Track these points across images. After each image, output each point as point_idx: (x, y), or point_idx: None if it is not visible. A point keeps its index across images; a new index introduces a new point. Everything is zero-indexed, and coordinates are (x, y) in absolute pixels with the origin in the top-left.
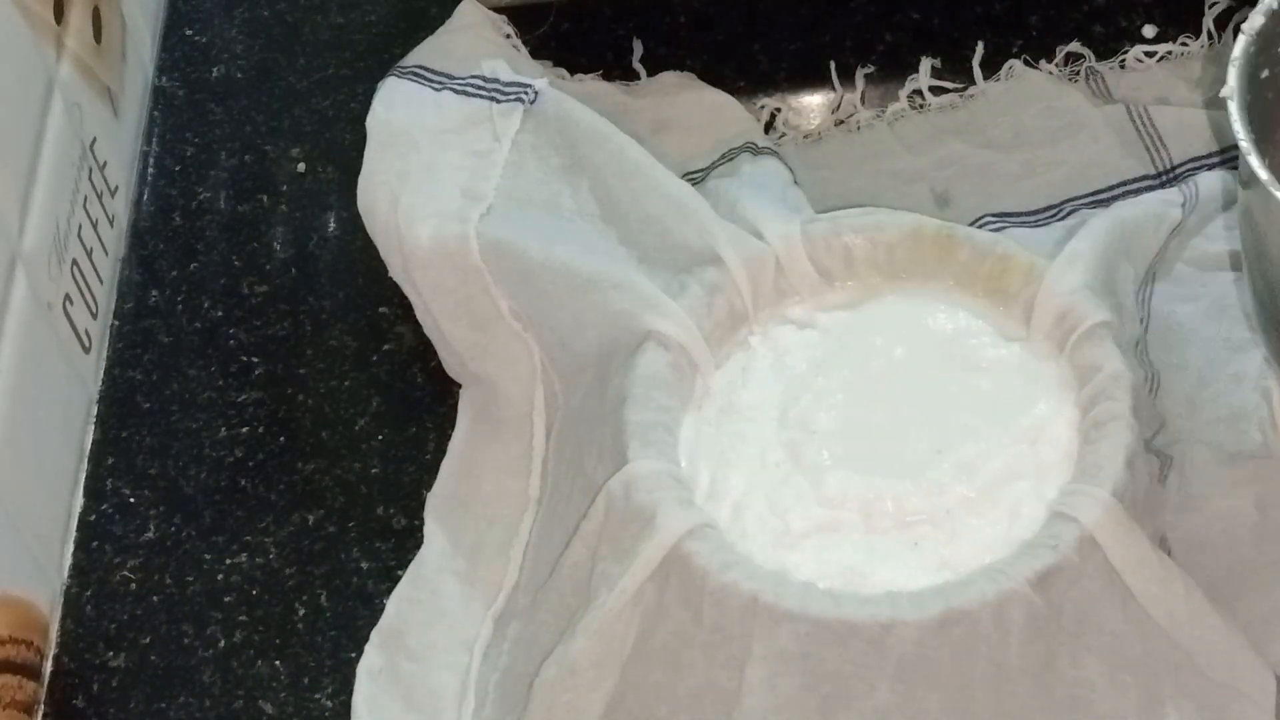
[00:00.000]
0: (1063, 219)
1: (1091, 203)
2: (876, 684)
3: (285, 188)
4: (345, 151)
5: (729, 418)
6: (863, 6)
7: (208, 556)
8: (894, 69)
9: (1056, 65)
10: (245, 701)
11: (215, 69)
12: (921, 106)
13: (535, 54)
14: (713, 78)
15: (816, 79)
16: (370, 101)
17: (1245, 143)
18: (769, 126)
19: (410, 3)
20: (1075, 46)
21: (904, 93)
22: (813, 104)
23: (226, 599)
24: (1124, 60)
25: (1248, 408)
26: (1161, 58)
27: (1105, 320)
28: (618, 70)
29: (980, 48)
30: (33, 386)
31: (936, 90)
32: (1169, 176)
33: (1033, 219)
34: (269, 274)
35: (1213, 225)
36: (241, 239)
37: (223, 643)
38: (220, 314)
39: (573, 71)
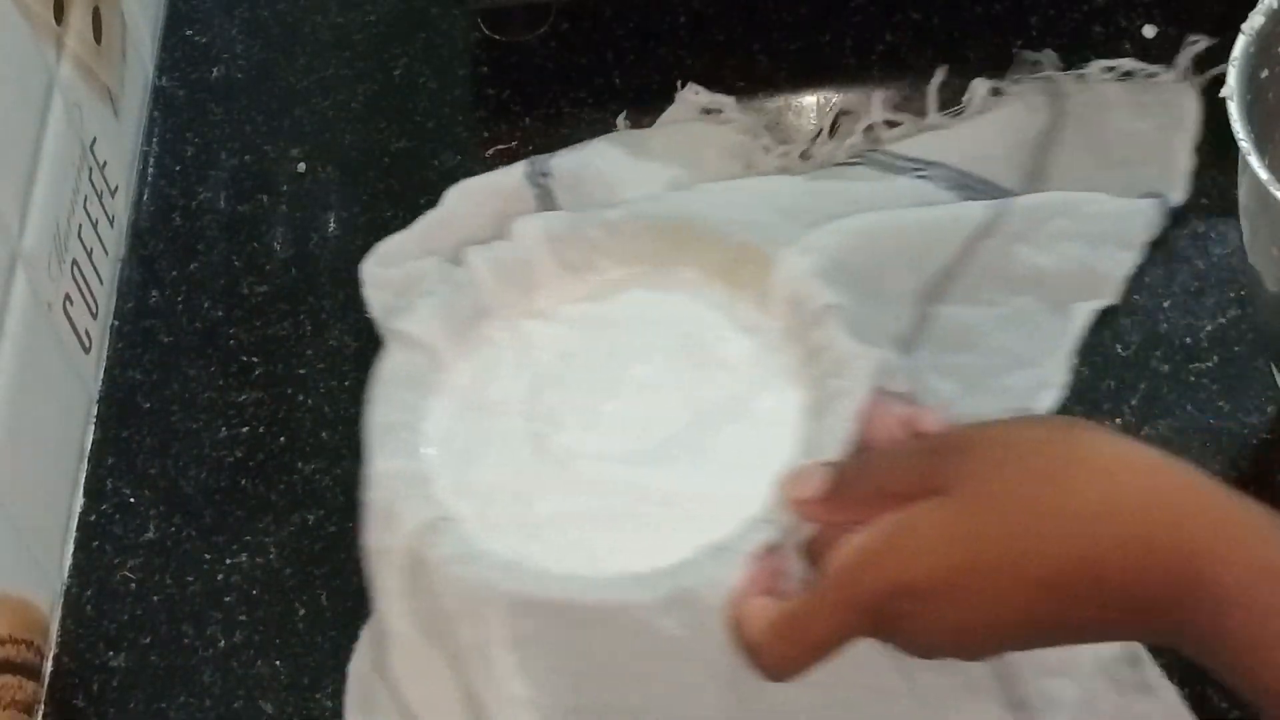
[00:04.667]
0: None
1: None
2: (621, 663)
3: (285, 188)
4: (345, 151)
5: (476, 412)
6: (863, 6)
7: (208, 556)
8: (894, 69)
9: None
10: (245, 701)
11: (215, 69)
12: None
13: (535, 54)
14: (713, 78)
15: (816, 79)
16: (370, 100)
17: (1245, 142)
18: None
19: (410, 2)
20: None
21: (860, 127)
22: (813, 104)
23: (226, 599)
24: (1084, 73)
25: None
26: (1123, 75)
27: (834, 303)
28: (616, 70)
29: (940, 74)
30: (33, 386)
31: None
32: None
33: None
34: (269, 274)
35: (1037, 244)
36: (241, 239)
37: (223, 643)
38: (220, 314)
39: (570, 76)
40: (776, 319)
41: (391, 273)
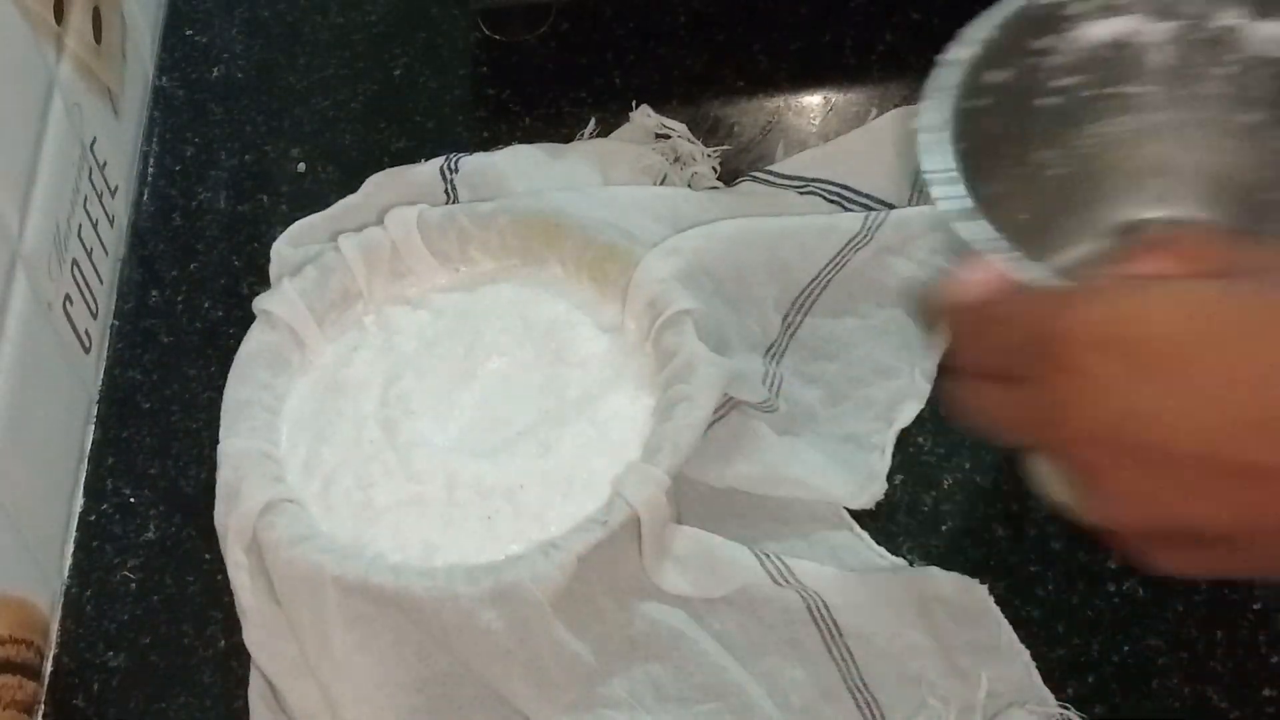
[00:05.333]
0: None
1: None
2: (453, 649)
3: (285, 188)
4: (345, 151)
5: (333, 394)
6: (863, 6)
7: (208, 556)
8: (894, 69)
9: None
10: (245, 701)
11: (215, 69)
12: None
13: (535, 54)
14: (713, 78)
15: (816, 79)
16: (370, 100)
17: (947, 173)
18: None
19: (410, 2)
20: None
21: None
22: (813, 104)
23: (226, 599)
24: None
25: (860, 435)
26: None
27: (687, 308)
28: (616, 70)
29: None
30: (33, 386)
31: None
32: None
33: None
34: (269, 274)
35: (911, 256)
36: (242, 239)
37: (223, 643)
38: (220, 314)
39: (570, 76)
40: (634, 320)
41: (296, 254)
